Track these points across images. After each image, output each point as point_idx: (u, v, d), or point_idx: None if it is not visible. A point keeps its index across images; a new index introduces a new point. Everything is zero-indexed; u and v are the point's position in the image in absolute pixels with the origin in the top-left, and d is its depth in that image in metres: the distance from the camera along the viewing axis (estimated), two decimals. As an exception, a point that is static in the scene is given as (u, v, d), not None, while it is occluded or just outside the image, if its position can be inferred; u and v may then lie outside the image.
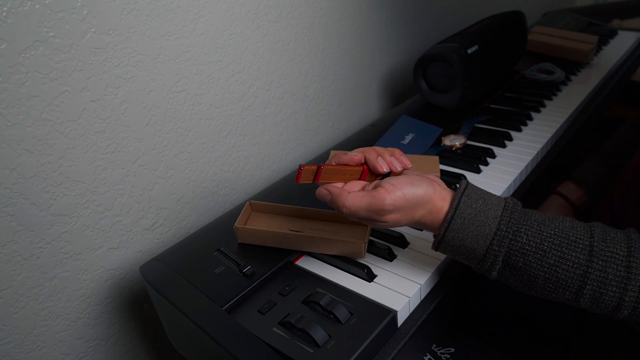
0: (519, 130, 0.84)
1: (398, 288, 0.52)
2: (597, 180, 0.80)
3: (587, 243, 0.45)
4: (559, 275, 0.45)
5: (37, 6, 0.50)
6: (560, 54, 1.12)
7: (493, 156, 0.76)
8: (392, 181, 0.48)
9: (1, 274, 0.56)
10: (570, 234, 0.46)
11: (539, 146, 0.78)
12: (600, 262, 0.44)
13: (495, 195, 0.49)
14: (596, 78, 1.03)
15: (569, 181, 0.83)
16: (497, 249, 0.46)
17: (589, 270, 0.44)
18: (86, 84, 0.57)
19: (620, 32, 1.32)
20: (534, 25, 1.26)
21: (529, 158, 0.74)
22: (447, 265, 0.57)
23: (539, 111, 0.91)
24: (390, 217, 0.47)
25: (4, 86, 0.50)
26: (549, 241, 0.45)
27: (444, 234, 0.48)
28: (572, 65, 1.09)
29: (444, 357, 0.67)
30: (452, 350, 0.68)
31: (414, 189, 0.47)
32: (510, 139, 0.81)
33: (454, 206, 0.47)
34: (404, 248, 0.59)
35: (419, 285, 0.52)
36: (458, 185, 0.50)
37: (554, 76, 1.01)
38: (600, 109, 1.01)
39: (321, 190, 0.50)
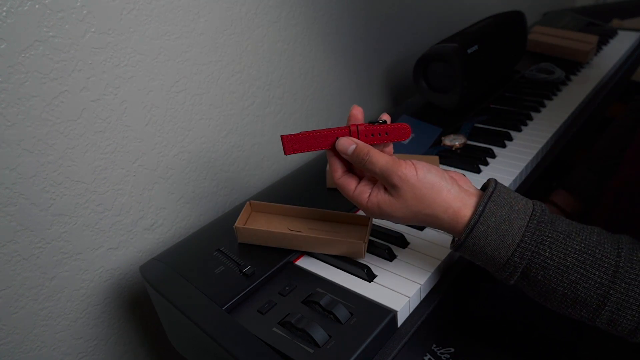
0: (519, 130, 0.84)
1: (398, 288, 0.52)
2: (589, 186, 0.80)
3: (613, 262, 0.43)
4: (579, 293, 0.43)
5: (37, 6, 0.50)
6: (560, 54, 1.12)
7: (493, 156, 0.76)
8: (413, 160, 0.47)
9: (1, 274, 0.56)
10: (597, 250, 0.43)
11: (539, 146, 0.78)
12: (623, 285, 0.42)
13: (523, 199, 0.47)
14: (596, 78, 1.03)
15: (561, 190, 0.83)
16: (517, 260, 0.44)
17: (611, 292, 0.42)
18: (86, 84, 0.57)
19: (620, 32, 1.32)
20: (534, 25, 1.26)
21: (529, 158, 0.74)
22: (447, 265, 0.57)
23: (539, 111, 0.91)
24: (402, 198, 0.46)
25: (3, 86, 0.50)
26: (572, 257, 0.43)
27: (465, 239, 0.45)
28: (572, 65, 1.09)
29: (444, 357, 0.67)
30: (452, 350, 0.68)
31: (429, 174, 0.46)
32: (510, 139, 0.81)
33: (479, 212, 0.45)
34: (404, 248, 0.59)
35: (419, 285, 0.52)
36: (486, 186, 0.48)
37: (554, 76, 1.01)
38: (600, 108, 1.01)
39: (346, 140, 0.48)
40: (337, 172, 0.50)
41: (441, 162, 0.75)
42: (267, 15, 0.76)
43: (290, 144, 0.49)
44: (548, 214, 0.46)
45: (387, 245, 0.58)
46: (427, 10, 1.13)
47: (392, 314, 0.49)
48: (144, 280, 0.59)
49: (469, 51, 0.85)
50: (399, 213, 0.47)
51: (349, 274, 0.55)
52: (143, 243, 0.70)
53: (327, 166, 0.69)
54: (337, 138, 0.49)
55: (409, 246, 0.59)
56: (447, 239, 0.59)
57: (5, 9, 0.48)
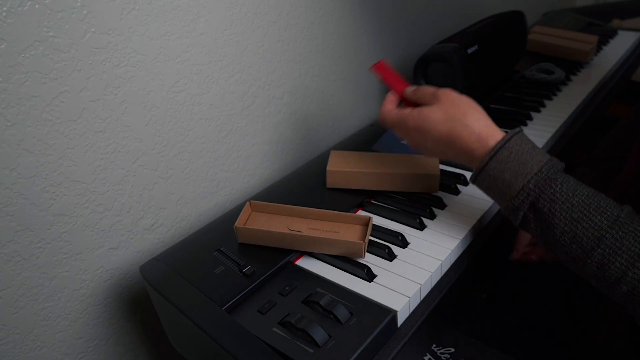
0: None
1: (398, 288, 0.52)
2: (591, 185, 0.80)
3: (615, 213, 0.46)
4: (577, 231, 0.46)
5: (37, 6, 0.50)
6: (560, 54, 1.12)
7: (493, 156, 0.76)
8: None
9: (1, 274, 0.56)
10: (603, 202, 0.46)
11: (539, 146, 0.77)
12: (619, 232, 0.44)
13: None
14: (596, 78, 1.03)
15: None
16: (532, 188, 0.48)
17: (607, 235, 0.44)
18: (86, 84, 0.57)
19: (620, 32, 1.32)
20: (534, 25, 1.26)
21: (529, 158, 0.74)
22: (447, 265, 0.57)
23: (539, 111, 0.91)
24: (441, 103, 0.54)
25: (3, 86, 0.50)
26: (579, 197, 0.46)
27: (488, 161, 0.50)
28: (572, 65, 1.09)
29: (444, 357, 0.67)
30: (452, 350, 0.68)
31: (461, 97, 0.54)
32: (510, 139, 0.81)
33: (505, 139, 0.50)
34: (404, 248, 0.59)
35: (419, 285, 0.52)
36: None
37: (554, 76, 1.01)
38: (600, 108, 1.01)
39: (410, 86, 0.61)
40: (391, 104, 0.62)
41: (441, 162, 0.75)
42: (267, 15, 0.76)
43: (380, 70, 0.64)
44: (563, 167, 0.50)
45: (387, 245, 0.58)
46: (427, 10, 1.13)
47: (392, 314, 0.49)
48: (144, 280, 0.59)
49: (469, 51, 0.85)
50: (435, 115, 0.54)
51: (349, 274, 0.55)
52: (143, 243, 0.70)
53: (327, 166, 0.69)
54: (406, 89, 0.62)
55: (409, 246, 0.59)
56: (447, 237, 0.59)
57: (5, 9, 0.48)
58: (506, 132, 0.53)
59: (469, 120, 0.53)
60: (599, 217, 0.45)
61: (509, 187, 0.49)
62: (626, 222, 0.45)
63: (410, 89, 0.61)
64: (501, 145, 0.50)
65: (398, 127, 0.59)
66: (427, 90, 0.58)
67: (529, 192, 0.48)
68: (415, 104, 0.59)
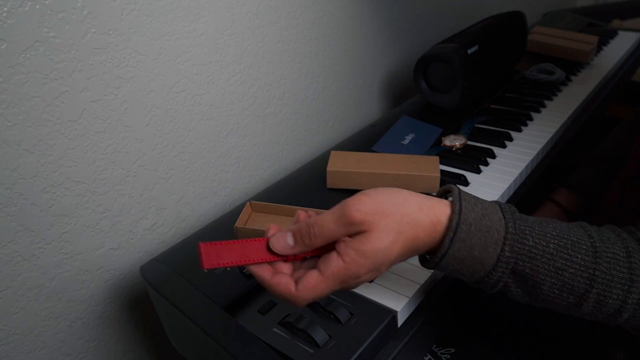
0: (519, 130, 0.84)
1: (398, 288, 0.52)
2: (591, 186, 0.80)
3: (589, 243, 0.42)
4: (566, 279, 0.41)
5: (37, 6, 0.50)
6: (560, 54, 1.12)
7: (493, 156, 0.76)
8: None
9: (1, 275, 0.56)
10: (571, 234, 0.43)
11: (539, 146, 0.78)
12: (604, 264, 0.41)
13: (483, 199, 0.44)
14: (596, 78, 1.03)
15: (563, 188, 0.83)
16: (508, 255, 0.41)
17: (597, 272, 0.41)
18: (86, 84, 0.57)
19: (621, 33, 1.32)
20: (534, 26, 1.26)
21: (529, 158, 0.74)
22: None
23: (539, 111, 0.91)
24: (380, 238, 0.39)
25: (4, 86, 0.50)
26: (553, 243, 0.42)
27: (450, 244, 0.40)
28: (572, 65, 1.09)
29: (444, 357, 0.67)
30: (452, 350, 0.68)
31: (379, 188, 0.41)
32: (511, 139, 0.81)
33: (457, 211, 0.41)
34: (404, 248, 0.58)
35: (419, 285, 0.52)
36: (450, 192, 0.44)
37: (554, 76, 1.01)
38: (601, 109, 1.01)
39: (279, 236, 0.41)
40: (267, 275, 0.40)
41: (441, 162, 0.75)
42: (268, 15, 0.76)
43: (208, 254, 0.39)
44: (514, 208, 0.44)
45: (387, 246, 0.58)
46: (427, 11, 1.13)
47: (392, 314, 0.49)
48: (145, 281, 0.59)
49: (469, 51, 0.85)
50: (382, 239, 0.39)
51: (349, 274, 0.55)
52: (143, 243, 0.70)
53: (327, 166, 0.69)
54: (269, 239, 0.40)
55: (409, 246, 0.59)
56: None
57: (5, 9, 0.48)
58: (444, 190, 0.45)
59: (412, 216, 0.40)
60: (580, 255, 0.41)
61: (482, 263, 0.41)
62: (603, 249, 0.42)
63: (295, 247, 0.40)
64: (457, 220, 0.41)
65: (342, 288, 0.41)
66: (326, 227, 0.39)
67: (506, 260, 0.41)
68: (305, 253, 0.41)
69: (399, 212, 0.40)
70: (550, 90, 0.98)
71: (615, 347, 0.59)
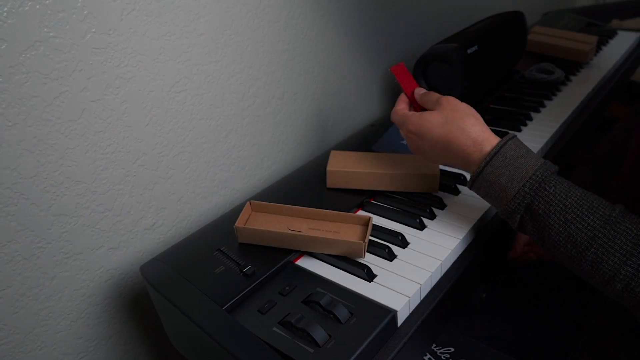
0: (519, 130, 0.84)
1: (398, 288, 0.52)
2: (590, 186, 0.80)
3: (607, 213, 0.47)
4: (571, 231, 0.47)
5: (37, 6, 0.50)
6: (560, 54, 1.12)
7: (493, 156, 0.76)
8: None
9: (2, 274, 0.56)
10: (595, 203, 0.48)
11: (539, 146, 0.78)
12: (611, 232, 0.45)
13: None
14: (596, 78, 1.03)
15: None
16: (527, 191, 0.49)
17: (599, 235, 0.46)
18: (86, 84, 0.57)
19: (620, 33, 1.32)
20: (533, 26, 1.26)
21: (529, 158, 0.74)
22: (447, 265, 0.57)
23: (538, 111, 0.91)
24: (442, 108, 0.56)
25: (4, 86, 0.50)
26: (572, 199, 0.48)
27: (485, 166, 0.51)
28: (572, 65, 1.09)
29: (444, 356, 0.67)
30: (452, 350, 0.68)
31: (462, 103, 0.57)
32: (510, 139, 0.81)
33: (500, 144, 0.52)
34: (404, 248, 0.59)
35: (419, 285, 0.52)
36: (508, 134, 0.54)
37: (554, 76, 1.01)
38: (600, 109, 1.01)
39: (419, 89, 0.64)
40: (402, 103, 0.64)
41: (441, 162, 0.75)
42: (268, 15, 0.76)
43: (398, 72, 0.66)
44: (557, 169, 0.52)
45: (387, 245, 0.58)
46: (426, 10, 1.13)
47: (392, 313, 0.49)
48: (145, 280, 0.59)
49: (469, 51, 0.85)
50: (434, 118, 0.56)
51: (349, 274, 0.55)
52: (143, 243, 0.70)
53: (327, 166, 0.69)
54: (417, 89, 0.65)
55: (409, 246, 0.59)
56: (447, 237, 0.59)
57: (5, 9, 0.48)
58: (501, 137, 0.54)
59: (466, 125, 0.54)
60: (591, 217, 0.47)
61: (505, 191, 0.50)
62: (618, 221, 0.46)
63: (419, 92, 0.63)
64: (496, 150, 0.51)
65: (401, 127, 0.62)
66: (433, 96, 0.60)
67: (524, 195, 0.49)
68: (422, 107, 0.63)
69: (461, 114, 0.55)
70: (550, 90, 0.98)
71: (617, 349, 0.60)
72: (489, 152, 0.52)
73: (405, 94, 0.66)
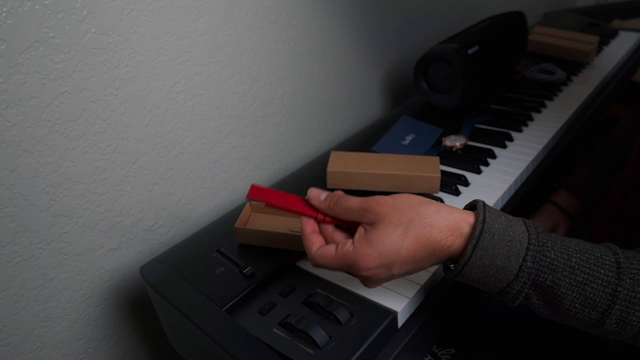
0: (520, 130, 0.84)
1: (398, 289, 0.52)
2: (590, 188, 0.80)
3: (613, 260, 0.42)
4: (588, 293, 0.41)
5: (37, 7, 0.50)
6: (561, 55, 1.12)
7: (494, 157, 0.76)
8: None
9: (1, 275, 0.56)
10: (595, 250, 0.42)
11: (540, 147, 0.77)
12: (628, 281, 0.40)
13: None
14: (597, 78, 1.03)
15: (563, 190, 0.82)
16: (530, 266, 0.41)
17: (619, 289, 0.40)
18: (86, 85, 0.57)
19: (621, 33, 1.32)
20: (534, 26, 1.25)
21: (530, 158, 0.74)
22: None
23: (539, 112, 0.90)
24: (386, 220, 0.43)
25: (3, 87, 0.50)
26: (575, 257, 0.41)
27: (472, 252, 0.42)
28: (573, 65, 1.09)
29: (444, 358, 0.67)
30: (453, 351, 0.68)
31: (406, 194, 0.45)
32: (511, 139, 0.81)
33: (481, 220, 0.42)
34: (404, 249, 0.58)
35: (420, 286, 0.52)
36: (475, 206, 0.45)
37: (555, 77, 1.01)
38: (601, 109, 1.01)
39: (317, 190, 0.48)
40: (308, 228, 0.48)
41: (442, 163, 0.75)
42: (268, 15, 0.76)
43: (261, 194, 0.48)
44: (537, 224, 0.45)
45: (388, 246, 0.58)
46: (427, 11, 1.13)
47: (392, 315, 0.49)
48: (144, 281, 0.59)
49: (470, 52, 0.84)
50: (390, 233, 0.42)
51: (349, 275, 0.55)
52: (143, 244, 0.70)
53: (328, 166, 0.69)
54: (308, 191, 0.48)
55: (409, 247, 0.59)
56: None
57: (5, 9, 0.48)
58: (470, 206, 0.47)
59: (429, 218, 0.43)
60: (602, 270, 0.41)
61: (504, 272, 0.42)
62: (627, 265, 0.41)
63: (319, 201, 0.48)
64: (480, 229, 0.42)
65: (349, 269, 0.45)
66: (349, 202, 0.46)
67: (528, 271, 0.42)
68: (333, 219, 0.48)
69: (414, 210, 0.43)
70: (551, 90, 0.97)
71: (621, 348, 0.59)
72: (471, 234, 0.42)
73: (300, 214, 0.48)
